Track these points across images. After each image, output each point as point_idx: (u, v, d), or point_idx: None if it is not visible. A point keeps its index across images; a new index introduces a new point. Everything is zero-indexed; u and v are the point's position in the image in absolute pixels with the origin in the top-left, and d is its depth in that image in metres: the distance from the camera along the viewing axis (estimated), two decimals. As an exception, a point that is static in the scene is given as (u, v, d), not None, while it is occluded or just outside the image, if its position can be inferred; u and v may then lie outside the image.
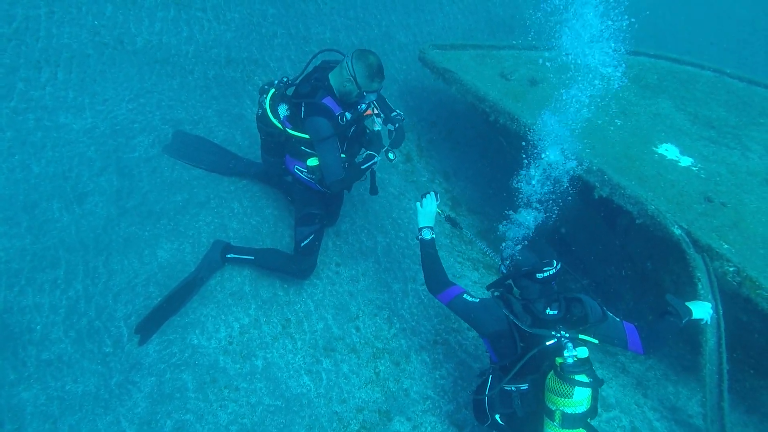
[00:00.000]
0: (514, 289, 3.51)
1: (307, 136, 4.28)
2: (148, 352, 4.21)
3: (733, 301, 4.09)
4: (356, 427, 4.17)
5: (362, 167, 4.38)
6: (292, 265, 4.66)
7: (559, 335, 3.20)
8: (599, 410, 4.48)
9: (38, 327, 4.13)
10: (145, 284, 4.49)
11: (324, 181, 4.32)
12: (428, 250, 3.83)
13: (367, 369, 4.51)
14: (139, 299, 4.42)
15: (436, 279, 3.73)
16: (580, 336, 3.24)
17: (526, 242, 3.62)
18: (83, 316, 4.26)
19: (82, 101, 5.42)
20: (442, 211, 4.17)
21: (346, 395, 4.33)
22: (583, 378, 3.05)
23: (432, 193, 4.02)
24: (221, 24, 6.50)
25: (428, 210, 3.95)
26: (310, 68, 4.39)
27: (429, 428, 4.27)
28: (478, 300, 3.54)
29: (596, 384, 3.10)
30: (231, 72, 6.21)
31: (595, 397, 3.14)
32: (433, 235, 3.88)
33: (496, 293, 3.61)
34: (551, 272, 3.32)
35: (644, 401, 4.70)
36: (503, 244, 3.72)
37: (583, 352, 3.11)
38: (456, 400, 4.44)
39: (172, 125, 5.51)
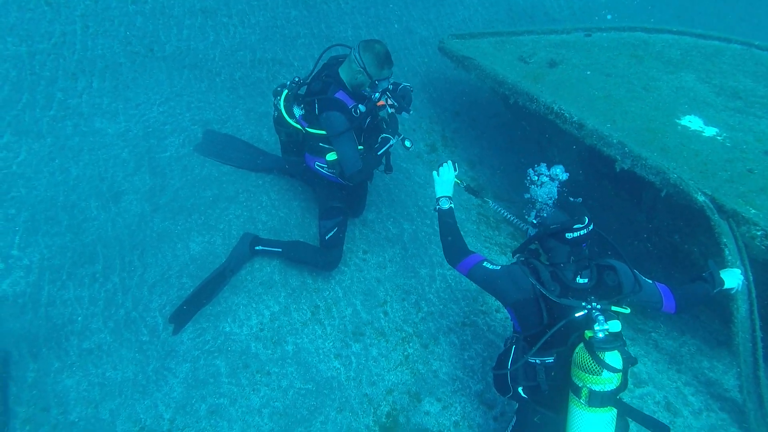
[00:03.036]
0: (541, 254, 3.31)
1: (323, 132, 4.37)
2: (183, 340, 4.36)
3: (764, 267, 4.00)
4: (387, 409, 4.23)
5: (378, 153, 4.43)
6: (319, 258, 4.75)
7: (589, 306, 2.94)
8: (631, 386, 4.45)
9: (79, 318, 4.33)
10: (178, 276, 4.66)
11: (343, 174, 4.38)
12: (446, 219, 3.66)
13: (396, 352, 4.57)
14: (173, 290, 4.58)
15: (454, 249, 3.53)
16: (613, 308, 2.98)
17: (554, 200, 3.29)
18: (120, 308, 4.44)
19: (116, 107, 5.66)
20: (461, 180, 4.00)
21: (375, 378, 4.39)
22: (614, 355, 2.82)
23: (449, 161, 3.87)
24: (246, 28, 6.71)
25: (445, 179, 3.79)
26: (319, 66, 4.50)
27: (459, 408, 4.30)
28: (499, 267, 3.31)
29: (628, 363, 2.89)
30: (256, 72, 6.39)
31: (625, 372, 2.92)
32: (451, 205, 3.70)
33: (521, 258, 3.35)
34: (582, 232, 3.09)
35: (678, 376, 4.62)
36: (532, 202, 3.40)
37: (615, 326, 2.85)
38: (485, 379, 4.45)
39: (201, 125, 5.71)
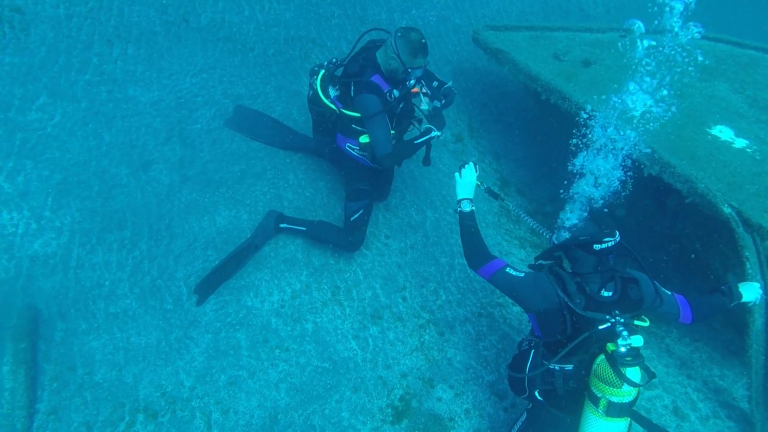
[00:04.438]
0: (564, 261, 3.32)
1: (357, 114, 4.41)
2: (206, 311, 4.46)
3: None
4: (400, 392, 4.32)
5: (416, 141, 4.44)
6: (342, 238, 4.81)
7: (613, 320, 2.98)
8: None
9: (107, 283, 4.42)
10: (203, 248, 4.74)
11: (374, 156, 4.43)
12: (468, 222, 3.61)
13: (413, 338, 4.65)
14: (198, 262, 4.66)
15: (477, 253, 3.51)
16: (635, 322, 3.05)
17: (585, 213, 3.34)
18: (146, 275, 4.53)
19: (150, 75, 5.71)
20: (481, 182, 3.94)
21: (391, 361, 4.48)
22: (635, 371, 2.88)
23: (471, 163, 3.81)
24: (281, 4, 6.70)
25: (467, 181, 3.73)
26: (357, 48, 4.53)
27: (471, 397, 4.39)
28: (523, 275, 3.31)
29: (648, 378, 2.94)
30: (290, 50, 6.41)
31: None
32: (473, 207, 3.66)
33: (543, 265, 3.36)
34: (611, 244, 3.08)
35: (688, 382, 4.69)
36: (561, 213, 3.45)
37: (638, 341, 2.89)
38: (498, 371, 4.53)
39: (232, 100, 5.75)
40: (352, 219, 4.75)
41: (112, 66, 5.65)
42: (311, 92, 4.66)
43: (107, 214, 4.74)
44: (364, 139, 4.47)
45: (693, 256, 4.85)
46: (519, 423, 3.66)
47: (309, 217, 5.09)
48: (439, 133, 4.47)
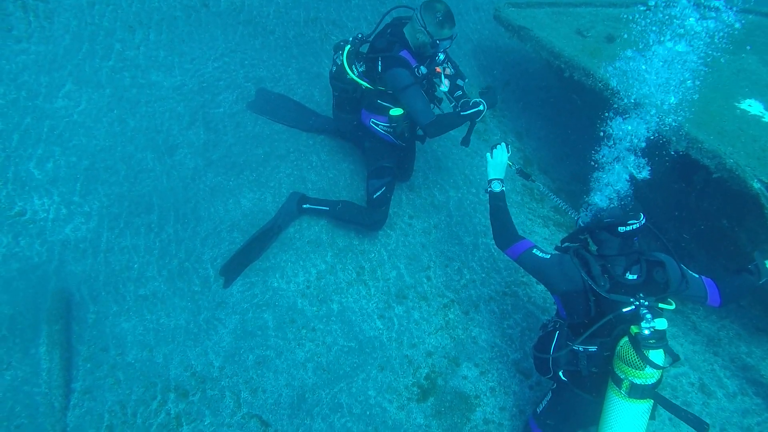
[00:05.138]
0: (591, 244, 3.32)
1: (382, 89, 4.41)
2: (233, 293, 4.52)
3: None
4: (426, 371, 4.36)
5: (462, 113, 4.40)
6: (365, 217, 4.82)
7: (637, 303, 3.00)
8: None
9: (135, 266, 4.50)
10: (229, 230, 4.79)
11: (420, 125, 4.37)
12: (497, 203, 3.66)
13: (437, 317, 4.68)
14: (224, 244, 4.72)
15: (505, 233, 3.56)
16: (660, 305, 3.06)
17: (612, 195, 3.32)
18: (174, 258, 4.60)
19: (172, 60, 5.75)
20: (513, 163, 3.96)
21: (416, 340, 4.51)
22: (658, 352, 2.89)
23: (503, 144, 3.85)
24: (301, -15, 6.69)
25: (498, 161, 3.78)
26: (382, 25, 4.51)
27: (496, 375, 4.41)
28: (549, 256, 3.35)
29: (672, 360, 2.97)
30: (310, 32, 6.41)
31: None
32: (503, 188, 3.70)
33: (570, 247, 3.38)
34: (636, 226, 3.10)
35: (714, 359, 4.66)
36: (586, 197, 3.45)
37: (661, 323, 2.91)
38: (523, 349, 4.55)
39: (254, 83, 5.77)
40: (375, 196, 4.76)
41: (135, 52, 5.71)
42: (335, 68, 4.63)
43: (134, 199, 4.81)
44: (395, 111, 4.47)
45: (720, 232, 4.79)
46: (545, 402, 3.69)
47: (332, 198, 5.11)
48: (483, 108, 4.42)
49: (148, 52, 5.75)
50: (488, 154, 3.83)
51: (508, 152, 3.85)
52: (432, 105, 4.65)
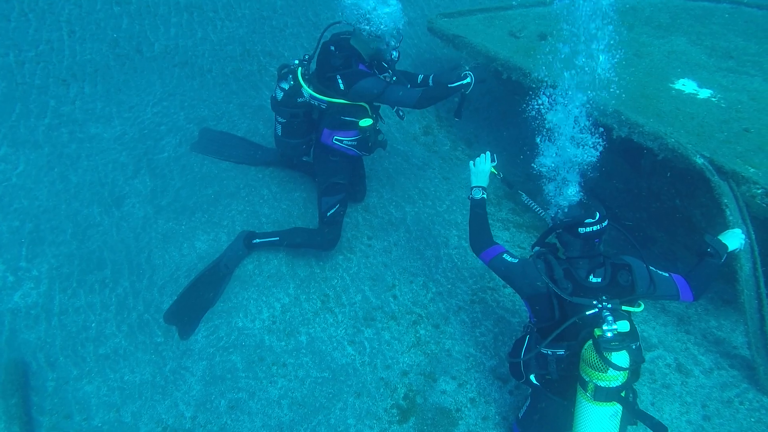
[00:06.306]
0: (559, 248, 3.37)
1: (347, 102, 4.39)
2: (197, 339, 4.40)
3: (765, 225, 4.04)
4: (403, 391, 4.29)
5: (451, 85, 4.47)
6: (318, 237, 4.76)
7: (600, 306, 3.02)
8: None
9: (93, 324, 4.36)
10: (187, 275, 4.68)
11: (410, 106, 4.41)
12: (477, 210, 3.73)
13: (408, 334, 4.62)
14: (183, 290, 4.61)
15: (480, 238, 3.64)
16: (624, 307, 3.06)
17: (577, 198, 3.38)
18: (133, 311, 4.47)
19: (110, 111, 5.66)
20: (498, 172, 4.05)
21: (390, 361, 4.44)
22: (622, 354, 2.90)
23: (487, 153, 3.92)
24: (233, 21, 6.68)
25: (481, 169, 3.85)
26: (320, 45, 4.48)
27: (474, 385, 4.36)
28: (517, 260, 3.40)
29: (635, 364, 2.99)
30: (247, 66, 6.38)
31: (634, 369, 3.05)
32: (484, 195, 3.78)
33: (538, 252, 3.43)
34: (595, 227, 3.13)
35: (687, 338, 4.68)
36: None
37: (623, 326, 2.95)
38: (498, 355, 4.51)
39: (196, 123, 5.71)
40: (329, 214, 4.70)
41: (71, 106, 5.60)
42: (281, 94, 4.56)
43: (84, 256, 4.68)
44: (364, 123, 4.47)
45: (674, 211, 4.86)
46: (524, 407, 3.69)
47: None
48: (471, 82, 4.50)
49: (85, 105, 5.66)
50: (471, 163, 3.91)
51: (494, 161, 3.93)
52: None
